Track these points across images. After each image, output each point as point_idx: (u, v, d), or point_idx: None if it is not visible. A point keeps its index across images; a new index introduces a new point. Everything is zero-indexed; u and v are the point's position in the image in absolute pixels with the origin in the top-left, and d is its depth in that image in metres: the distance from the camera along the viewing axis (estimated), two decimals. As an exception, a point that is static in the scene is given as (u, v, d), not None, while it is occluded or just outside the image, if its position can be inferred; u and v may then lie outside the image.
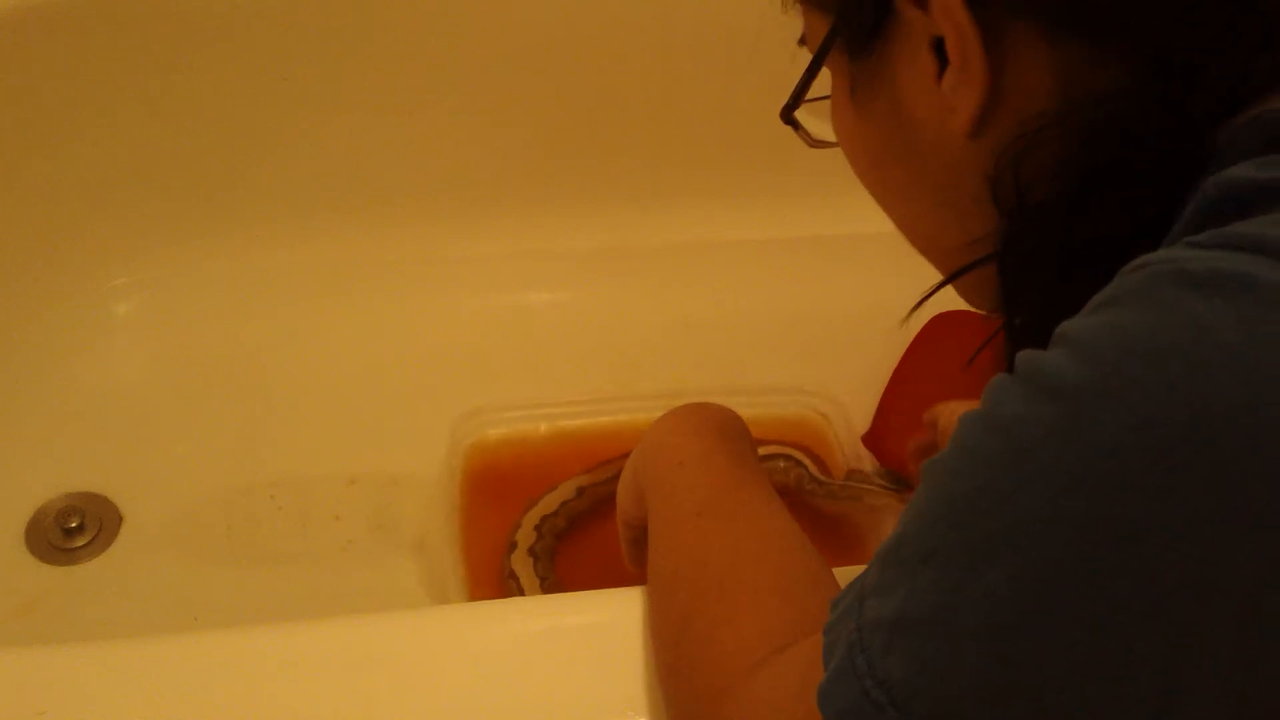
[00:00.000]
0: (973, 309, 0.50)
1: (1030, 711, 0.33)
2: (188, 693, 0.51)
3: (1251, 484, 0.30)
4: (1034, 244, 0.41)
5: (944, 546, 0.34)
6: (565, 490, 0.89)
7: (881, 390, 0.97)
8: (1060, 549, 0.32)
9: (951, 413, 0.75)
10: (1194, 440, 0.30)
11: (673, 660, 0.49)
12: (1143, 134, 0.38)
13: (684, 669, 0.48)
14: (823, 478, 0.86)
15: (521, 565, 0.84)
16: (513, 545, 0.86)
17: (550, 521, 0.87)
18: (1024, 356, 0.34)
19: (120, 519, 0.91)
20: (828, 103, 0.51)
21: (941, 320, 0.94)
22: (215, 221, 1.06)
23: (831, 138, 0.53)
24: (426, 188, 1.09)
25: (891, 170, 0.48)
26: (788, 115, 0.54)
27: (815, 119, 0.54)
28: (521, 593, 0.83)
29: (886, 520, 0.87)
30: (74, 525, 0.90)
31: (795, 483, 0.88)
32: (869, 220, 1.13)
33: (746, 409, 0.90)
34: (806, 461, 0.88)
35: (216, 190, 1.05)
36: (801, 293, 1.10)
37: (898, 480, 0.83)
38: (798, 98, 0.53)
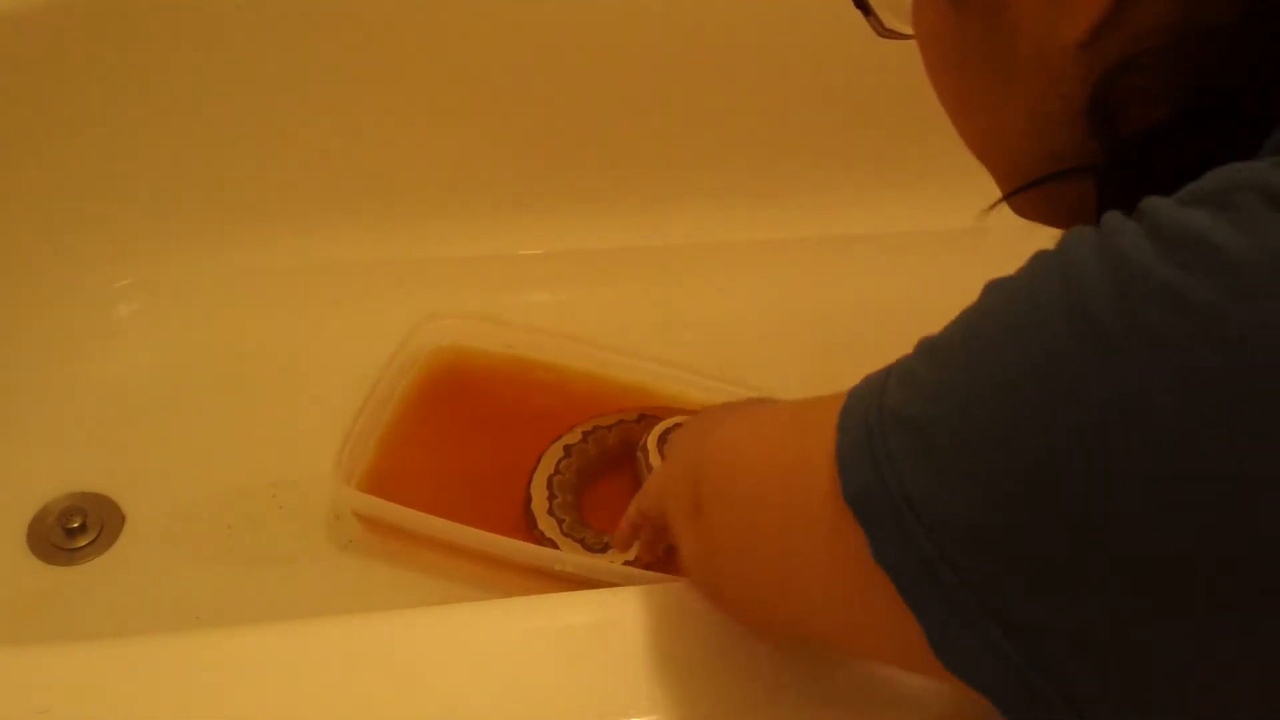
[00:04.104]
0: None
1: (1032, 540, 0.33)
2: (189, 691, 0.52)
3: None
4: (1136, 166, 0.40)
5: (965, 371, 0.35)
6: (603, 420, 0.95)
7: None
8: (1060, 408, 0.32)
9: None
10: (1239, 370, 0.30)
11: None
12: (1256, 66, 0.37)
13: None
14: None
15: (541, 478, 0.90)
16: (539, 459, 0.92)
17: (579, 447, 0.92)
18: (1111, 219, 0.34)
19: (122, 519, 0.91)
20: None
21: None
22: (217, 223, 1.06)
23: (903, 30, 0.51)
24: (428, 188, 1.09)
25: (978, 74, 0.46)
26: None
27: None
28: (529, 499, 0.89)
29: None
30: (76, 525, 0.90)
31: None
32: (868, 221, 1.15)
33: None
34: None
35: (218, 192, 1.05)
36: (803, 293, 1.10)
37: None
38: None
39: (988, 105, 0.47)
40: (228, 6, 0.97)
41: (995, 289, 0.36)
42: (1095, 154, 0.42)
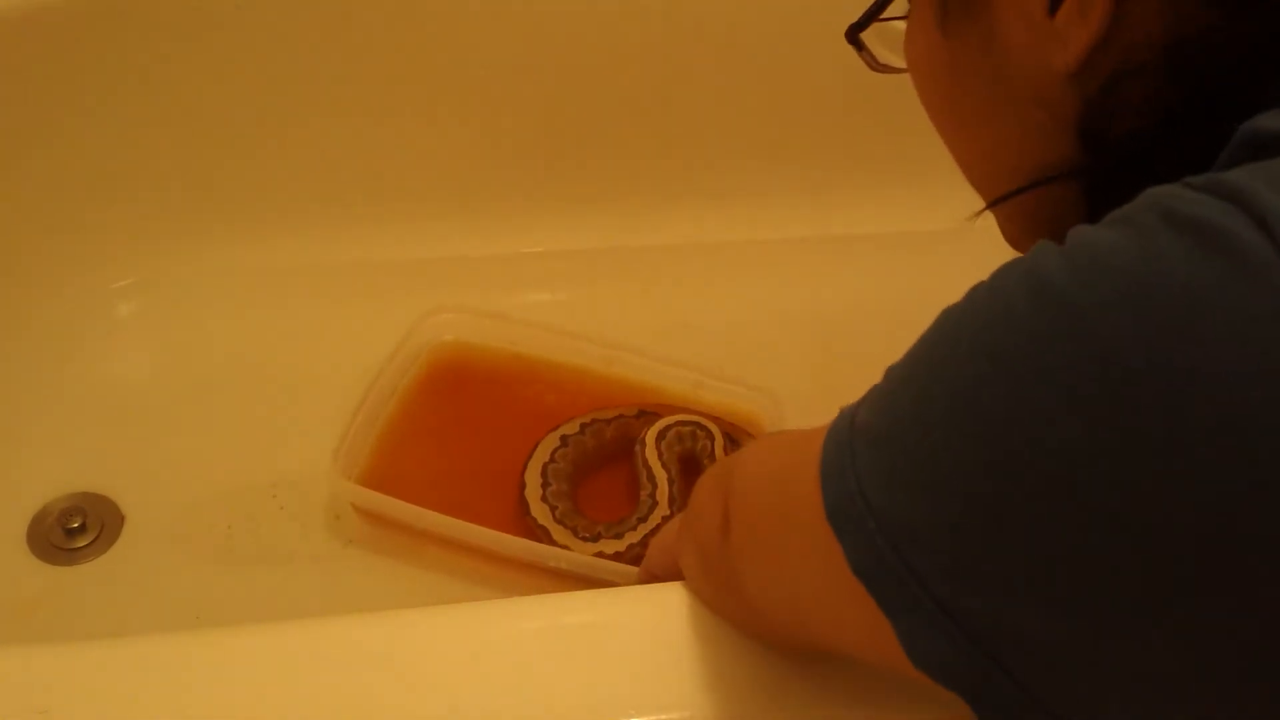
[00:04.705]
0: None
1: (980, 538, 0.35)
2: (189, 691, 0.52)
3: (1159, 420, 0.31)
4: (1127, 174, 0.41)
5: (910, 391, 0.38)
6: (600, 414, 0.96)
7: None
8: (981, 424, 0.34)
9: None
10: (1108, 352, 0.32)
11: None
12: (1235, 75, 0.39)
13: None
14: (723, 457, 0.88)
15: (536, 465, 0.91)
16: (535, 447, 0.93)
17: (576, 438, 0.93)
18: (1041, 247, 0.36)
19: (122, 519, 0.91)
20: (889, 27, 0.52)
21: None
22: (217, 223, 1.06)
23: (895, 64, 0.53)
24: (428, 189, 1.09)
25: (970, 97, 0.48)
26: (854, 35, 0.54)
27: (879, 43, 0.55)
28: (524, 485, 0.89)
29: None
30: (76, 525, 0.90)
31: (700, 452, 0.92)
32: (868, 221, 1.15)
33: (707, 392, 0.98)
34: (716, 436, 0.92)
35: (219, 192, 1.05)
36: (802, 293, 1.10)
37: None
38: (871, 16, 0.53)
39: (979, 128, 0.49)
40: (229, 7, 0.97)
41: (942, 316, 0.38)
42: (1085, 167, 0.44)
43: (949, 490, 0.35)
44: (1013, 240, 0.52)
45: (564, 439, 0.92)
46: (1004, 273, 0.36)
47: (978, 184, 0.52)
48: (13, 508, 0.91)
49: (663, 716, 0.51)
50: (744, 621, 0.53)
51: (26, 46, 0.93)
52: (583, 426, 0.93)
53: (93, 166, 1.01)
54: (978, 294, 0.37)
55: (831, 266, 1.12)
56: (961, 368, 0.35)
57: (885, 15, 0.53)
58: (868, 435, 0.39)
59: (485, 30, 1.02)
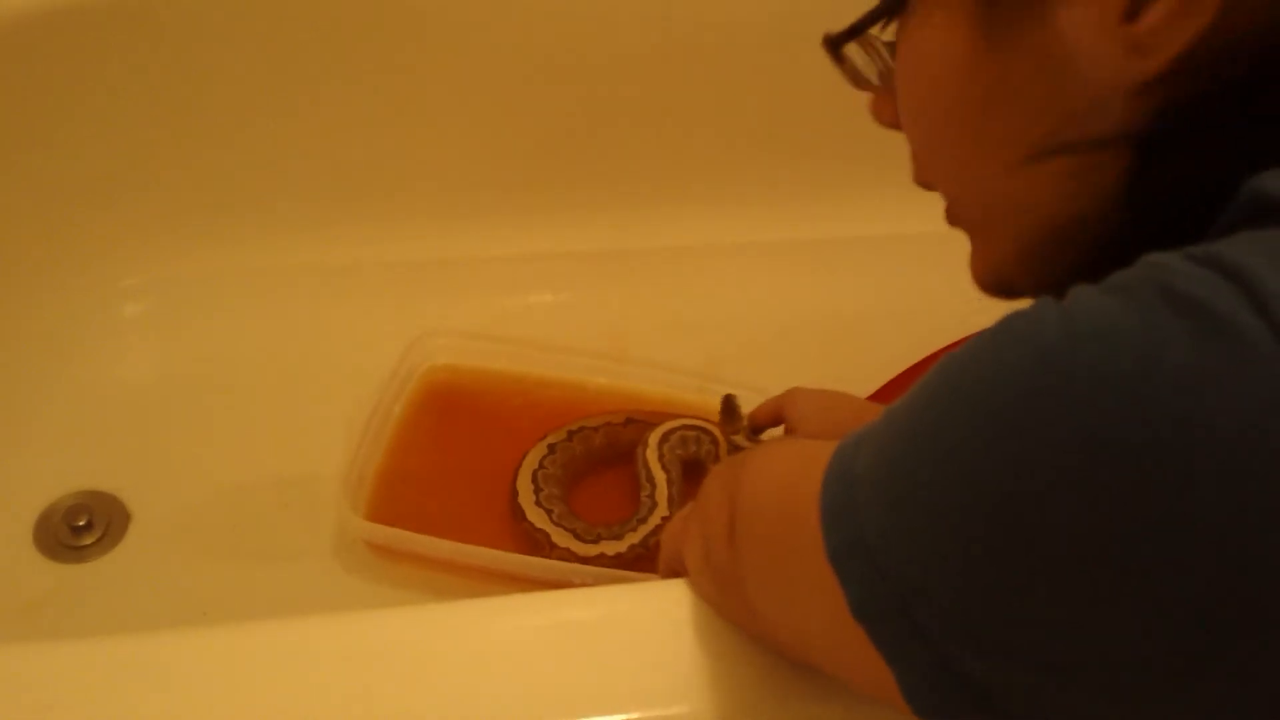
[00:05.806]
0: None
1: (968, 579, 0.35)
2: (195, 688, 0.52)
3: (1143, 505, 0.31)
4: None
5: (909, 440, 0.37)
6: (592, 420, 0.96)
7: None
8: (976, 487, 0.34)
9: (799, 403, 0.78)
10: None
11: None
12: None
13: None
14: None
15: (526, 472, 0.91)
16: (524, 455, 0.93)
17: (564, 445, 0.94)
18: (1041, 304, 0.35)
19: (128, 517, 0.92)
20: (871, 38, 0.48)
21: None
22: (224, 223, 1.07)
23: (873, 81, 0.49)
24: (433, 191, 1.10)
25: (1010, 119, 0.43)
26: (837, 46, 0.50)
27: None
28: (516, 493, 0.90)
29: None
30: (82, 523, 0.90)
31: (705, 456, 0.92)
32: (870, 224, 1.15)
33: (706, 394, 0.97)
34: (720, 440, 0.92)
35: (226, 192, 1.06)
36: (804, 296, 1.10)
37: None
38: (867, 23, 0.48)
39: (1003, 150, 0.44)
40: (233, 8, 0.97)
41: (942, 365, 0.37)
42: (1116, 197, 0.42)
43: (949, 550, 0.35)
44: (1000, 276, 0.50)
45: (551, 447, 0.93)
46: (1004, 329, 0.35)
47: (982, 222, 0.48)
48: (19, 505, 0.91)
49: (665, 711, 0.51)
50: (746, 626, 0.53)
51: (32, 46, 0.94)
52: (570, 434, 0.94)
53: (101, 166, 1.01)
54: (977, 348, 0.36)
55: (836, 269, 1.12)
56: (958, 427, 0.35)
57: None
58: (869, 483, 0.38)
59: (489, 33, 1.02)
